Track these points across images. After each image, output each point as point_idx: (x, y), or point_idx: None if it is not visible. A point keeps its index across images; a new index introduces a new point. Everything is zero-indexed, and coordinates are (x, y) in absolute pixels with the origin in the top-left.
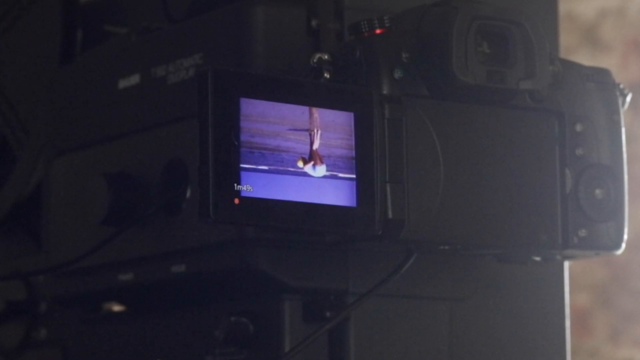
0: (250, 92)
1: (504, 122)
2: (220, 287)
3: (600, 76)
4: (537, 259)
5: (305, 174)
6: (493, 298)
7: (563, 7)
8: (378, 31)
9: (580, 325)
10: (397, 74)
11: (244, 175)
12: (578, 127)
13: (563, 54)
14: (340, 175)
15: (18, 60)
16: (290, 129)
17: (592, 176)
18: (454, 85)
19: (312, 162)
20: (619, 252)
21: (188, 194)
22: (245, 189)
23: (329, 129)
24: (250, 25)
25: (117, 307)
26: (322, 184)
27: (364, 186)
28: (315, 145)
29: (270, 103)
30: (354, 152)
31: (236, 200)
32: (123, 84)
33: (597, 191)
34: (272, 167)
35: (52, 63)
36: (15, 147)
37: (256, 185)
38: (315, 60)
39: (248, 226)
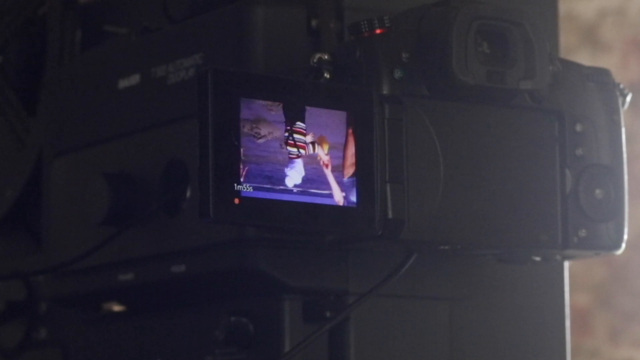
0: (250, 92)
1: (504, 122)
2: (220, 287)
3: (600, 76)
4: (537, 259)
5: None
6: (493, 298)
7: (563, 7)
8: (378, 31)
9: (580, 325)
10: (397, 74)
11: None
12: (578, 127)
13: (563, 54)
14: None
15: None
16: (289, 130)
17: (592, 176)
18: (454, 85)
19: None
20: (619, 252)
21: (188, 194)
22: (245, 189)
23: (329, 129)
24: (250, 25)
25: (117, 307)
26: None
27: (364, 186)
28: (314, 146)
29: (270, 103)
30: (354, 152)
31: (236, 200)
32: (123, 84)
33: (597, 191)
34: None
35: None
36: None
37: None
38: (315, 60)
39: (248, 226)
